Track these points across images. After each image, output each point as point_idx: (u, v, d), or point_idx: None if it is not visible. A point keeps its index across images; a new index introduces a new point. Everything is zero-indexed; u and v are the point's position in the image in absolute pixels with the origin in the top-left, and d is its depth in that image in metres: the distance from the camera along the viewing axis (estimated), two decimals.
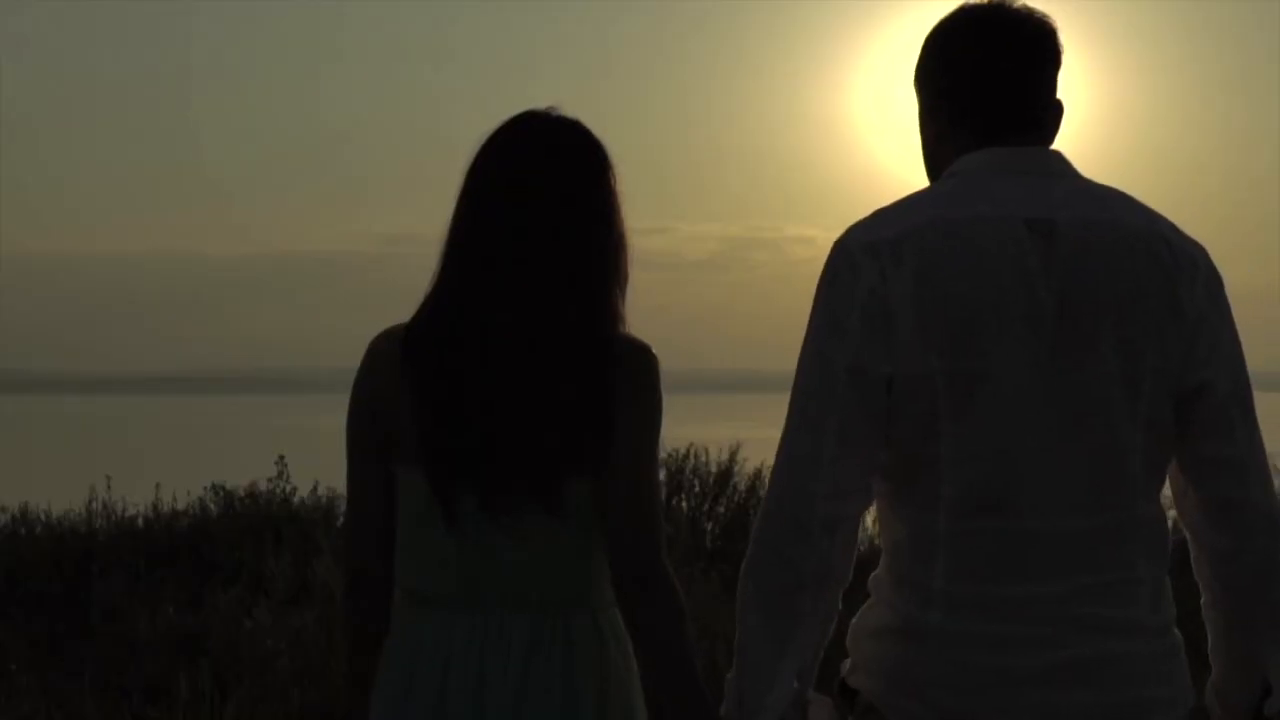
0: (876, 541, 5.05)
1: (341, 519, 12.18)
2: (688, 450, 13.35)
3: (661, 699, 2.95)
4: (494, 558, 2.97)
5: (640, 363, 2.97)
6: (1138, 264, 2.84)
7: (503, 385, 2.94)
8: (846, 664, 2.96)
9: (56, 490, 13.54)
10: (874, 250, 2.82)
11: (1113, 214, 2.87)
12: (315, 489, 13.11)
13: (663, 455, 13.19)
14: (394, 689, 3.03)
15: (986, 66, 2.92)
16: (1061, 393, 2.81)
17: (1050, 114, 2.96)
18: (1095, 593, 2.83)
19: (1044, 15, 2.95)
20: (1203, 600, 3.01)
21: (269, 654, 7.99)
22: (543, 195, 2.96)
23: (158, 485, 12.86)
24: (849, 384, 2.80)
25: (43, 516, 12.28)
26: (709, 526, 12.82)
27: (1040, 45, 2.94)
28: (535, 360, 2.93)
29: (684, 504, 13.09)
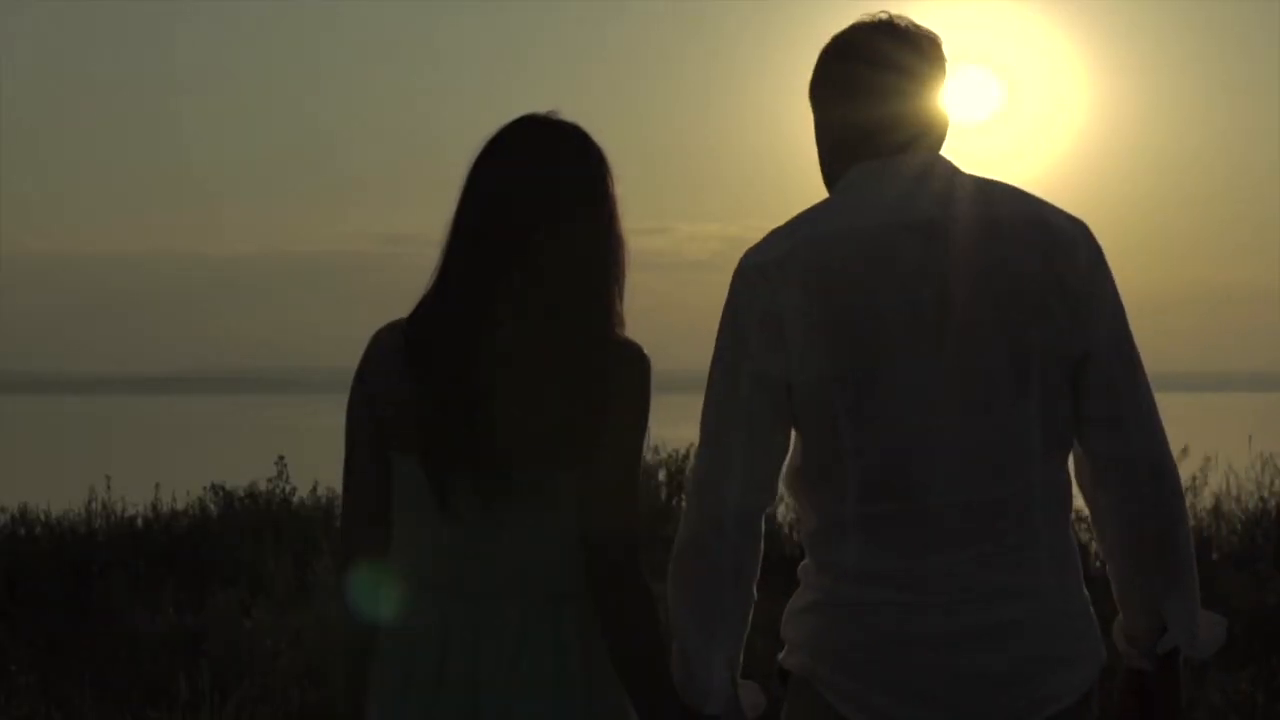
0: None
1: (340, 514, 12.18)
2: (688, 450, 13.34)
3: (635, 690, 3.06)
4: (489, 548, 3.05)
5: (637, 368, 3.06)
6: (1015, 251, 3.04)
7: (502, 385, 3.01)
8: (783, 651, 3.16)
9: (56, 490, 13.53)
10: (764, 271, 3.06)
11: (989, 208, 3.06)
12: (315, 489, 13.11)
13: (663, 455, 13.27)
14: (392, 677, 3.10)
15: (872, 83, 3.13)
16: (950, 382, 3.02)
17: (934, 126, 3.15)
18: (997, 562, 3.03)
19: (928, 30, 3.16)
20: (1102, 550, 3.20)
21: (269, 654, 7.99)
22: (542, 200, 3.03)
23: (157, 485, 12.86)
24: (753, 390, 3.05)
25: (43, 516, 12.27)
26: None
27: (923, 58, 3.14)
28: (535, 362, 3.01)
29: (684, 504, 13.06)
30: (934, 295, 3.02)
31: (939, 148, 3.17)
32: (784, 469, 3.16)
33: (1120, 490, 3.10)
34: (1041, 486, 3.05)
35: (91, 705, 7.39)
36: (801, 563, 3.17)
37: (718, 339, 3.10)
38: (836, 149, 3.19)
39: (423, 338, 3.05)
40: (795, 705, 3.13)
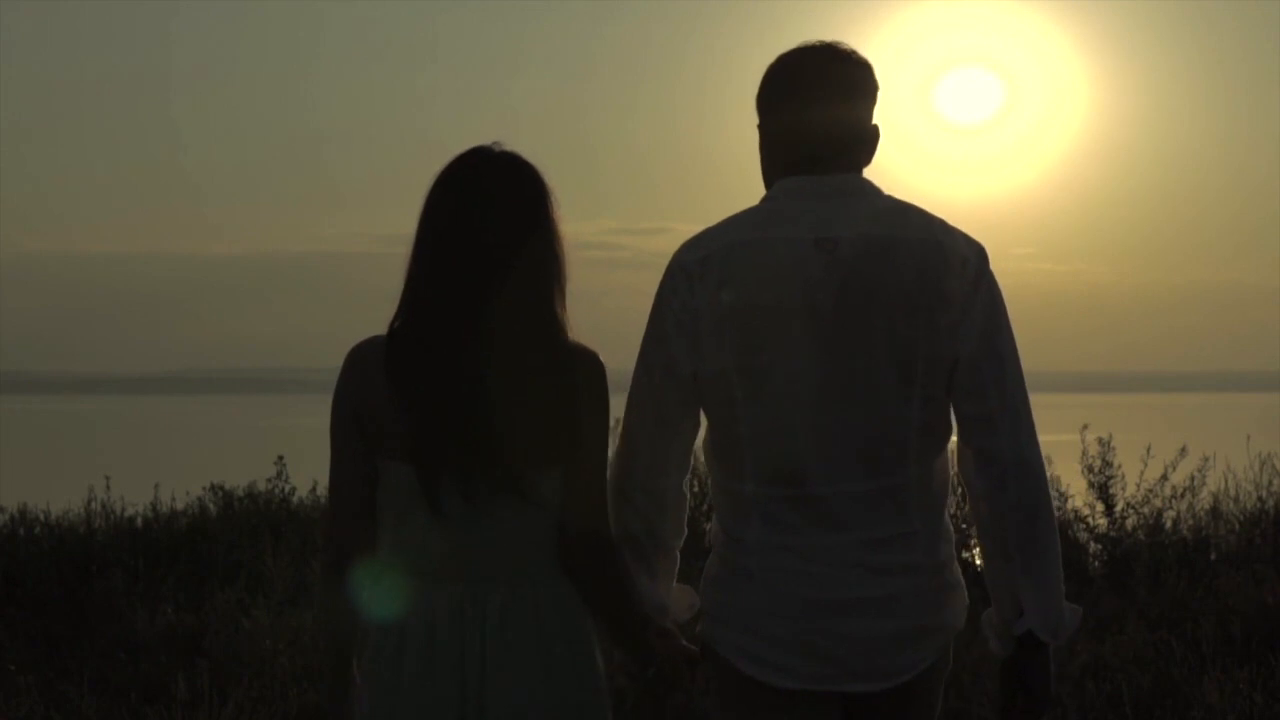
0: None
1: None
2: None
3: (622, 640, 3.52)
4: (474, 539, 3.39)
5: (595, 369, 3.43)
6: (910, 269, 3.44)
7: (478, 395, 3.35)
8: (695, 604, 3.63)
9: (56, 490, 13.52)
10: (687, 269, 3.50)
11: (892, 229, 3.47)
12: (314, 489, 13.10)
13: None
14: (383, 667, 3.41)
15: (804, 106, 3.53)
16: (839, 381, 3.44)
17: (860, 142, 3.55)
18: (879, 543, 3.46)
19: (863, 57, 3.56)
20: (976, 535, 3.58)
21: (267, 654, 8.00)
22: (492, 227, 3.39)
23: (156, 485, 12.84)
24: (664, 378, 3.50)
25: (42, 517, 12.25)
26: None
27: (854, 84, 3.54)
28: (504, 372, 3.36)
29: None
30: (830, 303, 3.43)
31: (866, 164, 3.57)
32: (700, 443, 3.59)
33: (988, 482, 3.48)
34: (918, 479, 3.48)
35: (91, 705, 7.39)
36: (711, 527, 3.63)
37: (645, 331, 3.55)
38: (773, 157, 3.59)
39: (401, 357, 3.37)
40: (715, 683, 3.57)
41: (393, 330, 3.41)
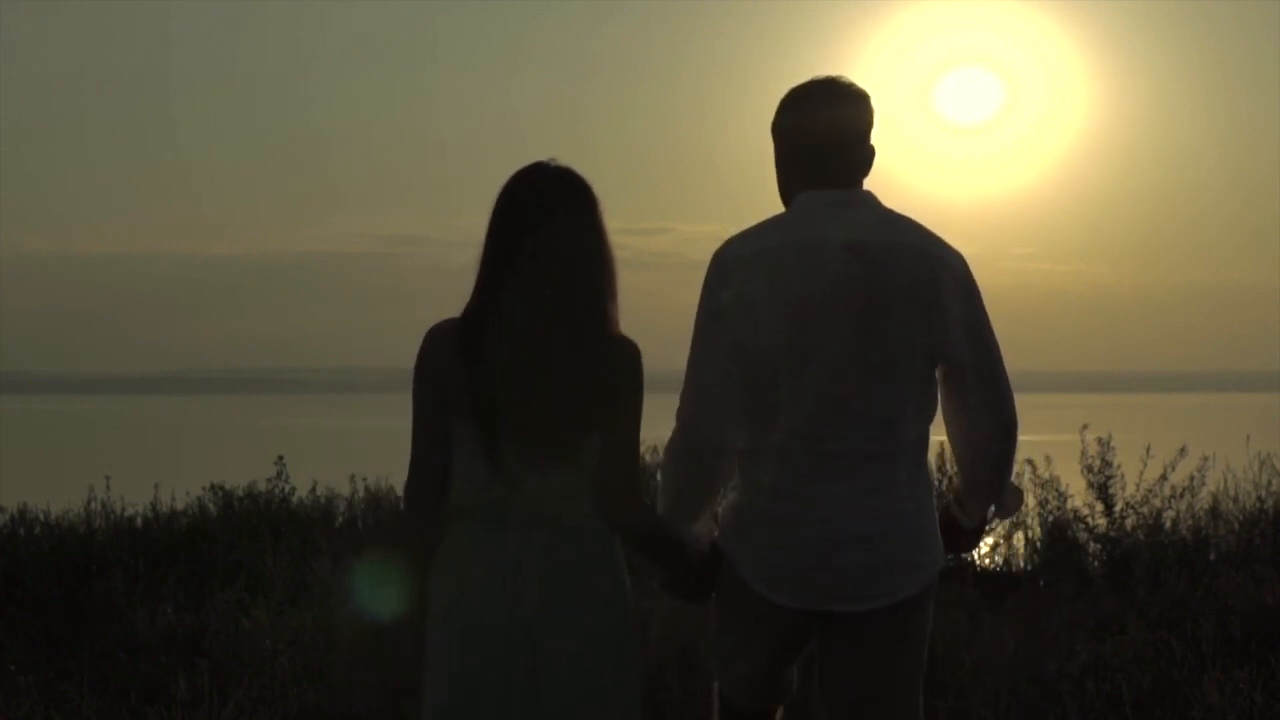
0: None
1: (340, 518, 12.46)
2: None
3: (655, 559, 4.33)
4: (526, 489, 4.06)
5: (633, 356, 4.07)
6: (914, 272, 4.25)
7: (535, 372, 4.02)
8: (716, 530, 4.42)
9: (55, 490, 13.53)
10: (741, 262, 4.26)
11: (900, 237, 4.29)
12: (314, 489, 13.12)
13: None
14: (451, 573, 4.08)
15: (818, 131, 4.31)
16: (865, 359, 4.24)
17: (862, 157, 4.34)
18: (874, 492, 4.27)
19: (860, 88, 4.34)
20: (962, 467, 4.47)
21: (267, 654, 8.00)
22: (553, 230, 4.03)
23: (156, 485, 12.85)
24: (729, 351, 4.23)
25: (42, 517, 12.25)
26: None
27: (857, 114, 4.34)
28: (559, 354, 4.02)
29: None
30: (856, 296, 4.22)
31: (866, 175, 4.34)
32: None
33: (987, 444, 4.40)
34: (911, 443, 4.31)
35: (91, 705, 7.39)
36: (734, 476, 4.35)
37: (699, 312, 4.27)
38: (789, 177, 4.37)
39: (471, 339, 4.06)
40: (723, 577, 4.39)
41: (466, 315, 4.07)
